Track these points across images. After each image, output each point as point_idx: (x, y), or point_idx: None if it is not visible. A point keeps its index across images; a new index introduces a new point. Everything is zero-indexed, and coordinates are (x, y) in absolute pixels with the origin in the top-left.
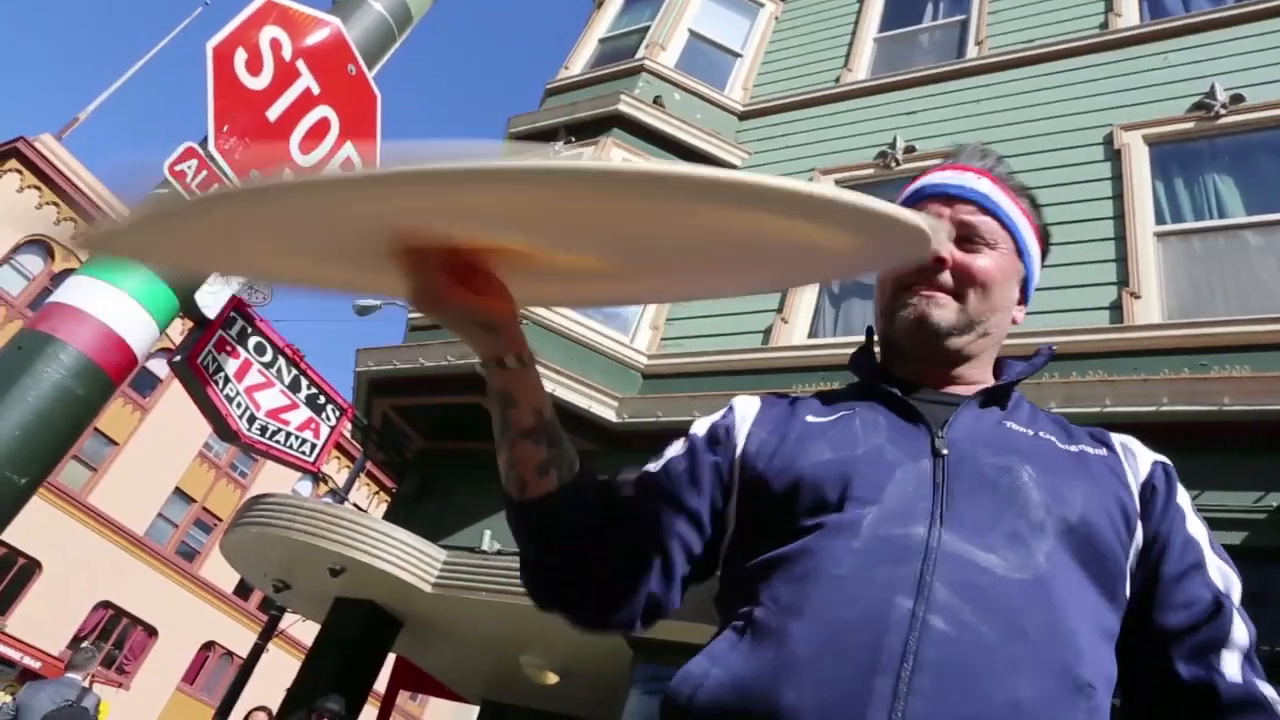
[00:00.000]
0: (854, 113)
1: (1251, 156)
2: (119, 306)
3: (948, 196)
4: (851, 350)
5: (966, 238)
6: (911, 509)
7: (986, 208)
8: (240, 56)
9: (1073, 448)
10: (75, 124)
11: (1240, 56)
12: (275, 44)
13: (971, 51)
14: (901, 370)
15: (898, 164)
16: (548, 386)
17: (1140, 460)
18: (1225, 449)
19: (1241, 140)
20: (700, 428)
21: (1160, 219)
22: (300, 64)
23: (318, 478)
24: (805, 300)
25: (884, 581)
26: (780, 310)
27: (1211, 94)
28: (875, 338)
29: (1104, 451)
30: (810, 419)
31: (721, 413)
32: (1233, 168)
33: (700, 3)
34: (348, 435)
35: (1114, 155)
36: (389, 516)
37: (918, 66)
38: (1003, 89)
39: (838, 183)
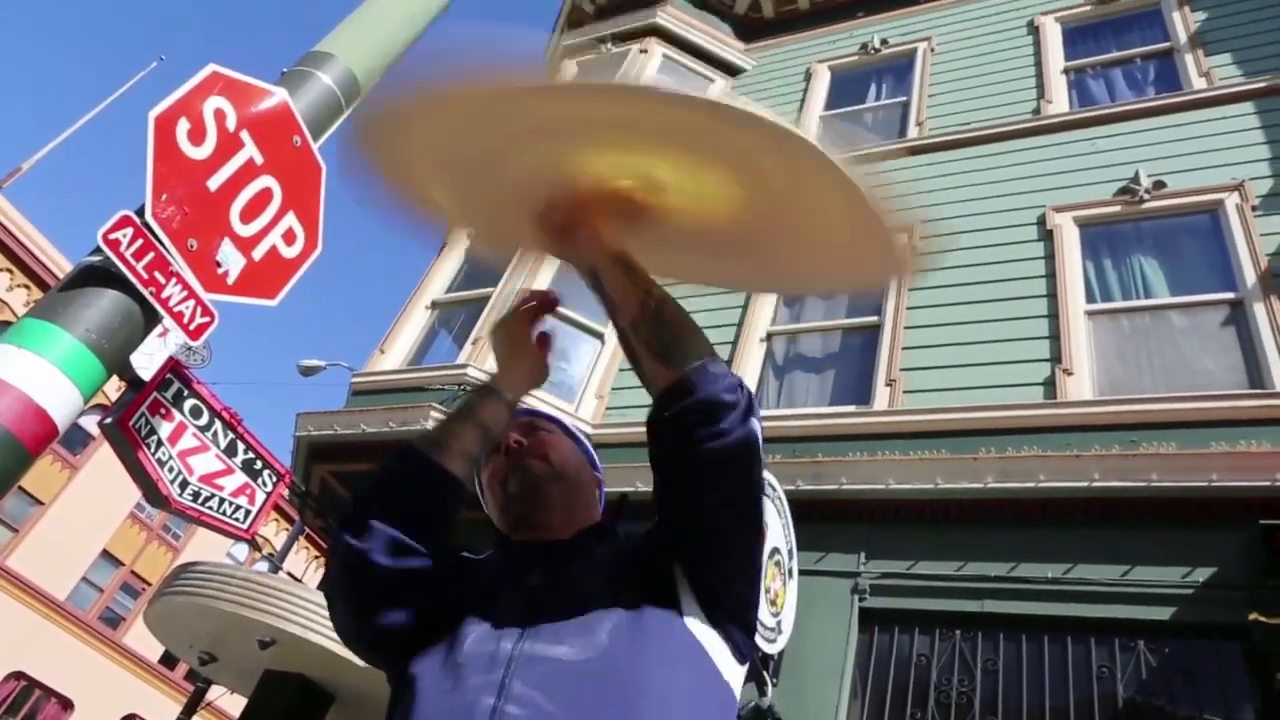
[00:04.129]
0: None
1: (1174, 240)
2: (41, 375)
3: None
4: (800, 422)
5: (531, 434)
6: (503, 629)
7: (542, 416)
8: (183, 126)
9: (619, 557)
10: (18, 173)
11: (1161, 145)
12: (219, 114)
13: (913, 131)
14: (522, 539)
15: None
16: None
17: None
18: (1154, 525)
19: (1164, 224)
20: None
21: (1091, 298)
22: (244, 134)
23: (253, 543)
24: (750, 372)
25: (474, 687)
26: None
27: (1136, 179)
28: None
29: (638, 553)
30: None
31: None
32: (1157, 250)
33: (654, 74)
34: (287, 498)
35: (1047, 235)
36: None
37: (861, 145)
38: (942, 168)
39: None
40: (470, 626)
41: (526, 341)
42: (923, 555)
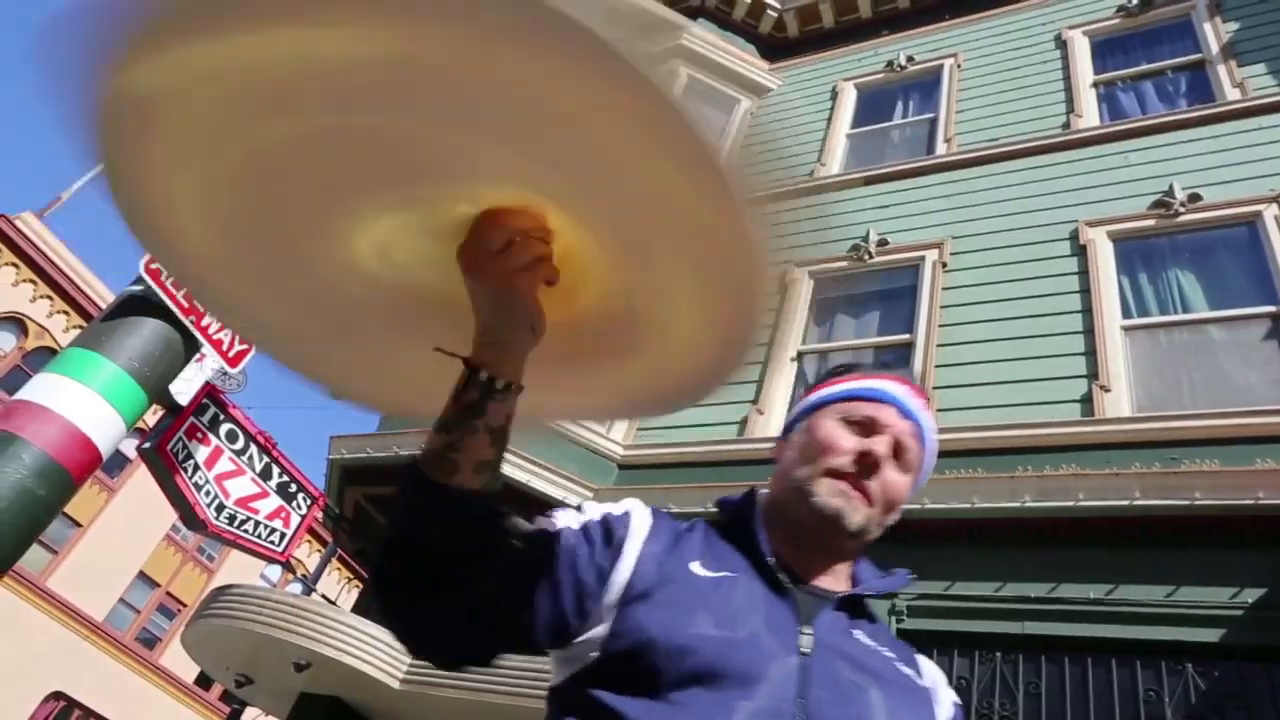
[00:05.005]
0: (828, 206)
1: (1211, 253)
2: (86, 404)
3: (903, 410)
4: None
5: (898, 454)
6: (779, 708)
7: (923, 440)
8: None
9: (905, 670)
10: (58, 203)
11: (1196, 158)
12: None
13: (941, 148)
14: (780, 543)
15: (871, 256)
16: (522, 477)
17: (943, 701)
18: (1199, 544)
19: (1200, 237)
20: (594, 516)
21: (1127, 313)
22: None
23: (287, 565)
24: (781, 392)
25: None
26: (756, 401)
27: (1170, 193)
28: (758, 496)
29: (923, 681)
30: (695, 569)
31: (618, 513)
32: (1193, 263)
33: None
34: (320, 520)
35: (1080, 250)
36: (358, 607)
37: (889, 162)
38: (971, 185)
39: (812, 274)
40: (735, 677)
41: (530, 300)
42: (960, 576)
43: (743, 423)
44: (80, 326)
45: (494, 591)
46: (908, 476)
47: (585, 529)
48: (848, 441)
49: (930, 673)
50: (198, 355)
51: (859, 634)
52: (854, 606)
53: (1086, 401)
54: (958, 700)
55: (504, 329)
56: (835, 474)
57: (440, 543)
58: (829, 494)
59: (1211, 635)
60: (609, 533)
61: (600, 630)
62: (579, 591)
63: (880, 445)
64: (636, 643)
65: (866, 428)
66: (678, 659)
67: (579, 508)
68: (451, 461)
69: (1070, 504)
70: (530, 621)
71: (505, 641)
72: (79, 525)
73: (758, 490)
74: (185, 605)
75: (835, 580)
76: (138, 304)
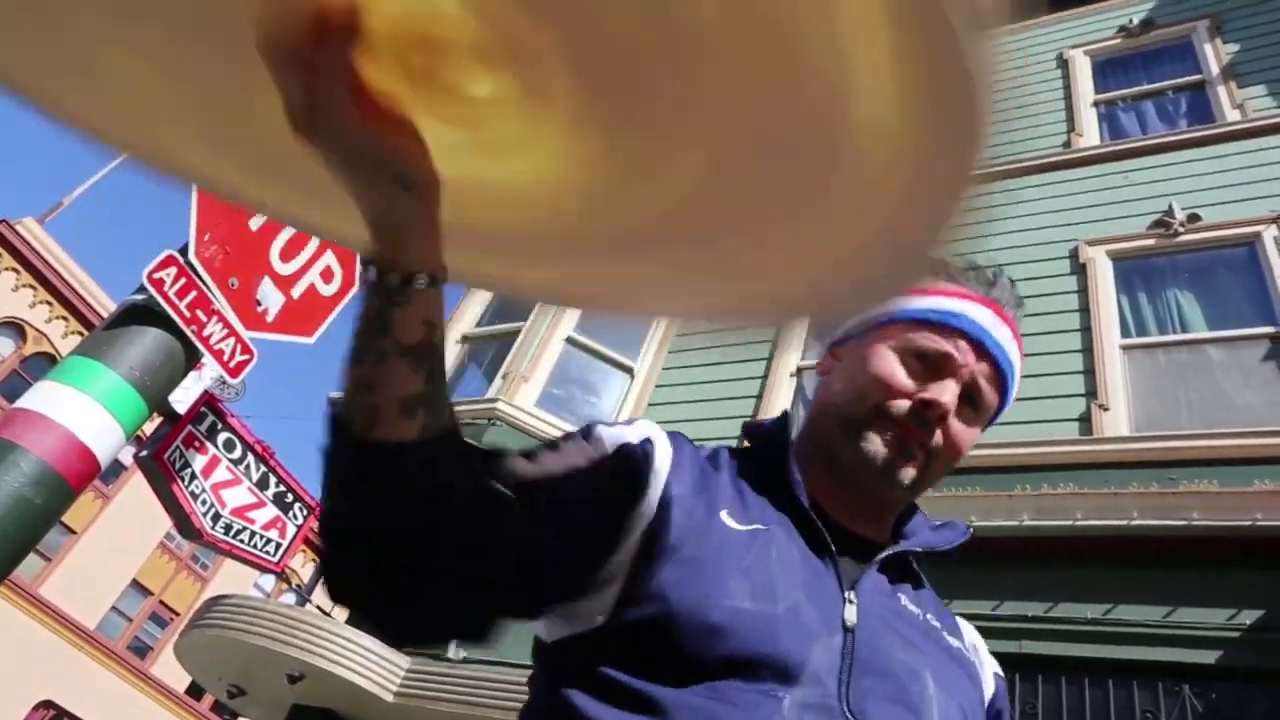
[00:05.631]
0: None
1: (1210, 273)
2: (86, 413)
3: (982, 347)
4: None
5: (969, 399)
6: (827, 703)
7: (1003, 382)
8: None
9: (953, 642)
10: (59, 208)
11: (1196, 178)
12: None
13: None
14: (816, 479)
15: None
16: None
17: (986, 671)
18: (1197, 565)
19: (1200, 257)
20: (605, 447)
21: (1126, 332)
22: None
23: (282, 575)
24: (780, 401)
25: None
26: (755, 415)
27: (1170, 212)
28: (793, 426)
29: (968, 654)
30: (726, 520)
31: (634, 440)
32: (1193, 283)
33: None
34: (316, 531)
35: (1079, 269)
36: (353, 619)
37: None
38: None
39: None
40: (776, 661)
41: (371, 134)
42: (957, 595)
43: None
44: (79, 333)
45: (473, 563)
46: (975, 427)
47: (596, 466)
48: (908, 383)
49: (973, 640)
50: (197, 364)
51: (904, 599)
52: (898, 565)
53: (1085, 420)
54: (1000, 672)
55: (366, 196)
56: (887, 418)
57: (382, 514)
58: (877, 443)
59: (1209, 656)
60: (625, 468)
61: (611, 588)
62: (588, 541)
63: (948, 394)
64: (656, 614)
65: (935, 366)
66: (708, 639)
67: (585, 435)
68: (368, 408)
69: (1068, 523)
70: (530, 590)
71: (501, 615)
72: (73, 532)
73: (790, 417)
74: (178, 614)
75: (878, 530)
76: (139, 313)
